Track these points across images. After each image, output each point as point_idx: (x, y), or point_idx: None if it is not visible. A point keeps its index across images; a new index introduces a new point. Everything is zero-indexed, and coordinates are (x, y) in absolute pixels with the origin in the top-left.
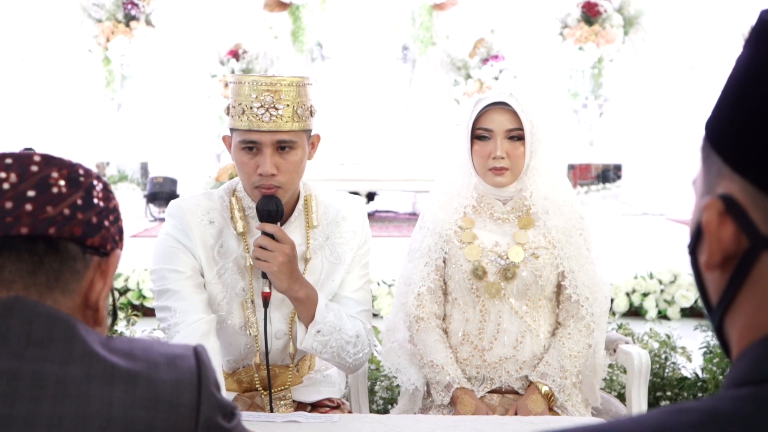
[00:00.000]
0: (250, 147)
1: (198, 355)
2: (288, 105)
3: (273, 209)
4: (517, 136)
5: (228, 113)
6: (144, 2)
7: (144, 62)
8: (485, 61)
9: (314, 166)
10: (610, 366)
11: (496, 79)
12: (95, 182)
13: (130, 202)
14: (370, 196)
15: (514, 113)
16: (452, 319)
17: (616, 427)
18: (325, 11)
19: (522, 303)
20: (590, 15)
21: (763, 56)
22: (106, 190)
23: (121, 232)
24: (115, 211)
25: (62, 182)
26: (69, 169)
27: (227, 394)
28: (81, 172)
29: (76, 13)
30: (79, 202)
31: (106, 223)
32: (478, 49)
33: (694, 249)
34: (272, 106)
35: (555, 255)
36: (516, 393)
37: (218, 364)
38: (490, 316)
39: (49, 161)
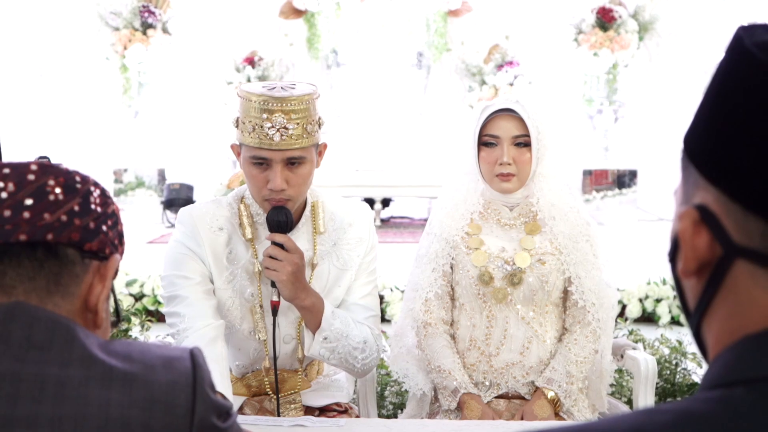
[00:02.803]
0: (260, 162)
1: (194, 357)
2: (298, 123)
3: (283, 220)
4: (523, 142)
5: (236, 126)
6: (160, 10)
7: (161, 70)
8: (500, 67)
9: (329, 172)
10: (620, 372)
11: (511, 85)
12: (92, 188)
13: (147, 208)
14: (385, 202)
15: (521, 120)
16: (459, 325)
17: (594, 427)
18: (340, 18)
19: (529, 309)
20: (605, 21)
21: (736, 71)
22: (104, 195)
23: (120, 236)
24: (113, 216)
25: (58, 189)
26: (65, 177)
27: (236, 399)
28: (78, 179)
29: (94, 22)
30: (76, 208)
31: (104, 228)
32: (492, 55)
33: (673, 257)
34: (283, 126)
35: (561, 261)
36: (522, 398)
37: (226, 369)
38: (497, 322)
39: (45, 170)
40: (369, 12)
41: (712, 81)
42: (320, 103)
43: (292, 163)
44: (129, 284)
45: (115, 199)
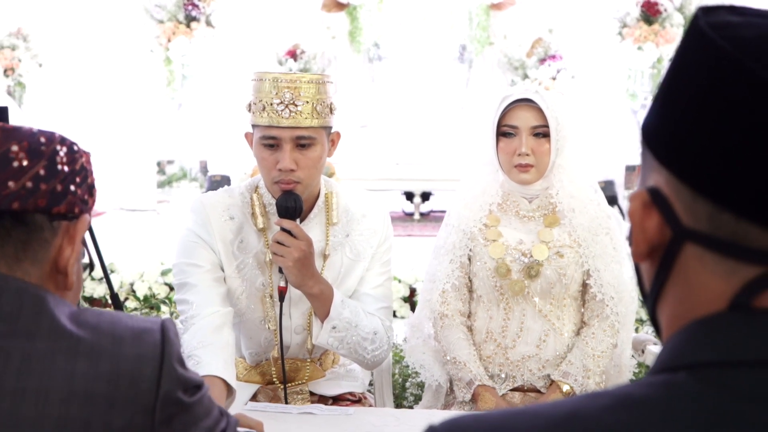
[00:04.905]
0: (271, 143)
1: (164, 330)
2: (307, 102)
3: (291, 206)
4: (542, 133)
5: (249, 110)
6: (204, 3)
7: (204, 62)
8: (543, 60)
9: (369, 165)
10: (646, 367)
11: (554, 79)
12: (58, 147)
13: (189, 199)
14: (425, 196)
15: (540, 110)
16: (476, 317)
17: (535, 411)
18: (382, 11)
19: (546, 302)
20: (650, 14)
21: (688, 51)
22: (71, 152)
23: (90, 188)
24: (82, 171)
25: (22, 155)
26: (29, 140)
27: (250, 387)
28: (42, 140)
29: (139, 14)
30: (42, 172)
31: (72, 187)
32: (535, 49)
33: (631, 240)
34: (292, 102)
35: (580, 254)
36: (538, 391)
37: (231, 356)
38: (514, 314)
39: (8, 135)
40: (411, 5)
41: (670, 62)
42: (333, 89)
43: (302, 144)
44: (164, 273)
45: (158, 191)
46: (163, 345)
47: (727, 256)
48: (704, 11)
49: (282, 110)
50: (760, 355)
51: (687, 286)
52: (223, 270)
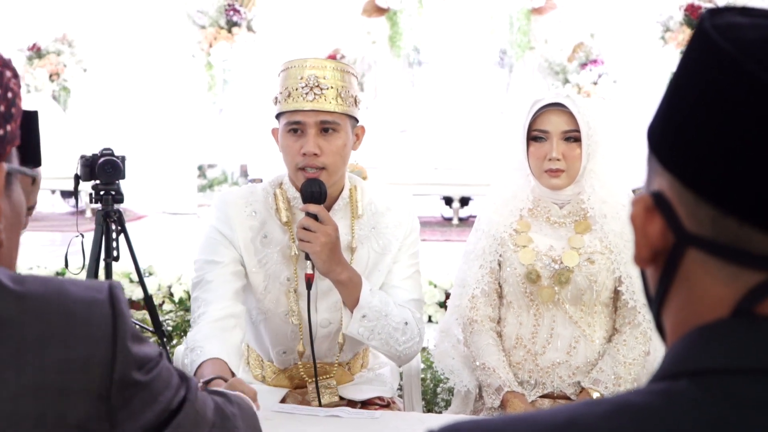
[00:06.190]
0: (295, 128)
1: (113, 300)
2: (332, 87)
3: (316, 190)
4: (573, 137)
5: (276, 103)
6: (246, 9)
7: (245, 67)
8: (584, 65)
9: (408, 170)
10: None
11: (595, 83)
12: None
13: None
14: (464, 201)
15: (571, 115)
16: (506, 323)
17: (534, 417)
18: (422, 16)
19: (577, 308)
20: (693, 18)
21: (693, 54)
22: None
23: (2, 140)
24: None
25: None
26: None
27: (279, 390)
28: None
29: (181, 20)
30: None
31: None
32: (576, 54)
33: None
34: (316, 85)
35: (611, 260)
36: (568, 399)
37: (235, 348)
38: (544, 321)
39: None
40: (451, 10)
41: (677, 65)
42: (356, 83)
43: (325, 129)
44: None
45: (199, 195)
46: (114, 321)
47: (729, 261)
48: (711, 13)
49: (307, 93)
50: (762, 363)
51: (690, 292)
52: (244, 266)
